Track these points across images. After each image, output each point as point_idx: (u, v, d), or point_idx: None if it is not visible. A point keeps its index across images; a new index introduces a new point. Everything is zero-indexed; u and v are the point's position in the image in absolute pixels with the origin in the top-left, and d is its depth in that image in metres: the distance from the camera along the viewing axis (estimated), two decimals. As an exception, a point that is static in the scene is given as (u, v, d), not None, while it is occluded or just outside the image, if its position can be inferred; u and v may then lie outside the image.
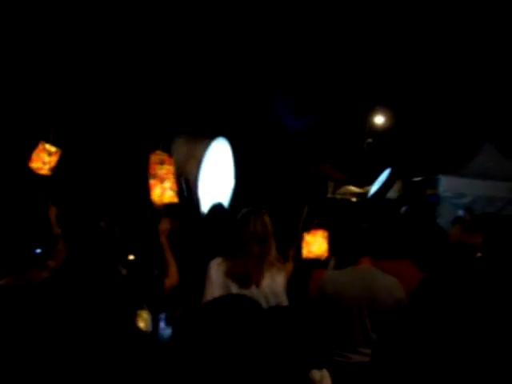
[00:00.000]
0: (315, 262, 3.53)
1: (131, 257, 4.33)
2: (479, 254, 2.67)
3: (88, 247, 2.56)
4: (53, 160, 3.47)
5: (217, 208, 4.15)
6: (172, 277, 2.82)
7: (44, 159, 3.43)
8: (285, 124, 13.61)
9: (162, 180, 2.86)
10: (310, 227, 3.56)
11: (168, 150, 3.07)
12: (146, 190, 2.95)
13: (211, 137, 7.04)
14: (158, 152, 2.93)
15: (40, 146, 3.45)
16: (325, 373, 2.37)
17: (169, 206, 2.96)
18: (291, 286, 2.95)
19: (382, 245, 3.14)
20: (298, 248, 3.52)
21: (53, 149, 3.48)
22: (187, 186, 6.49)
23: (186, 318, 0.93)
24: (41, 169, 3.46)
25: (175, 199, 2.92)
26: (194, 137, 6.84)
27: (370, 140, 21.73)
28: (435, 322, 1.78)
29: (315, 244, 3.49)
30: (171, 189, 2.91)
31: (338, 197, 15.10)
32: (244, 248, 2.75)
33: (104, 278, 2.42)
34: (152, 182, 2.88)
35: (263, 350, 0.89)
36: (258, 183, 9.76)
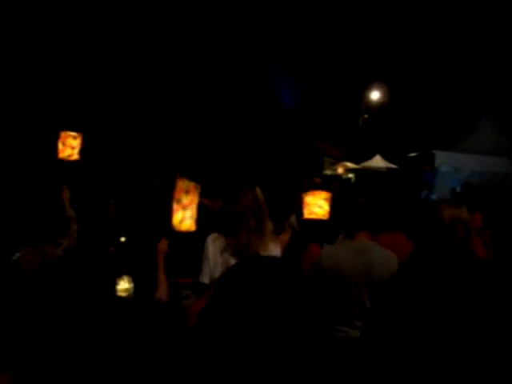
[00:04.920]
0: (319, 226, 3.39)
1: (122, 239, 4.33)
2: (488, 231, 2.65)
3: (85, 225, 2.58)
4: (78, 143, 3.64)
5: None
6: (162, 292, 2.92)
7: (72, 145, 3.61)
8: (281, 101, 13.50)
9: (184, 208, 2.91)
10: (309, 189, 3.44)
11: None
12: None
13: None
14: (184, 180, 2.95)
15: (63, 135, 3.60)
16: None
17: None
18: (287, 256, 2.95)
19: (379, 219, 3.12)
20: (298, 212, 3.40)
21: (74, 134, 3.65)
22: None
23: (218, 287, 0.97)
24: (71, 155, 3.62)
25: (193, 228, 2.96)
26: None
27: (365, 116, 21.64)
28: (423, 295, 1.77)
29: (316, 205, 3.34)
30: (191, 217, 2.95)
31: (328, 173, 15.06)
32: (241, 223, 2.72)
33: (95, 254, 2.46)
34: (175, 206, 2.92)
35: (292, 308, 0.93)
36: (255, 160, 9.75)
